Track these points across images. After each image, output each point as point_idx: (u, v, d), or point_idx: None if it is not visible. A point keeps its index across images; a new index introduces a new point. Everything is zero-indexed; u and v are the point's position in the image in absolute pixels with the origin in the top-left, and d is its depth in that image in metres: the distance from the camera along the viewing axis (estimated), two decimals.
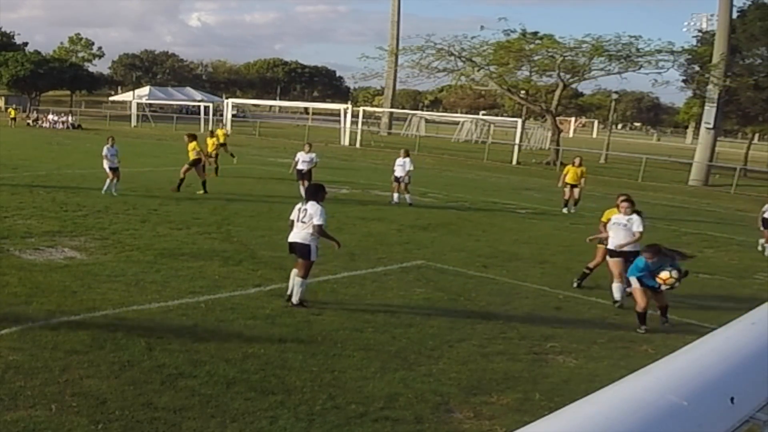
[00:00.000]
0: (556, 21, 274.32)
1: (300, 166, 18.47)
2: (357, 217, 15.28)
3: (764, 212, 14.43)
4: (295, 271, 8.11)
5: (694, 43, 43.32)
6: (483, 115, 77.51)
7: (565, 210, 18.45)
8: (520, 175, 31.30)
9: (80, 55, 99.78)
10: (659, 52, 36.89)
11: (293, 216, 8.25)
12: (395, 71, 59.32)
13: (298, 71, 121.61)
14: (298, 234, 8.13)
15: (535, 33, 39.48)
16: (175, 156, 26.74)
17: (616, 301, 9.14)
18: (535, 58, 39.86)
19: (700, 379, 1.34)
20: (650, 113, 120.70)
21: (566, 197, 18.75)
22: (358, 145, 44.19)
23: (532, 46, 39.14)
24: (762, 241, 14.58)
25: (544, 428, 1.12)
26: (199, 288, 8.55)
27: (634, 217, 9.12)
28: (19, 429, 4.76)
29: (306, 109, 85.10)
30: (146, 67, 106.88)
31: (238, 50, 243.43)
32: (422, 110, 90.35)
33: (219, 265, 9.83)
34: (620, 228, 9.16)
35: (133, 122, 55.20)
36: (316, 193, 8.36)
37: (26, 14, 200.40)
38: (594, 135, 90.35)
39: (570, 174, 18.63)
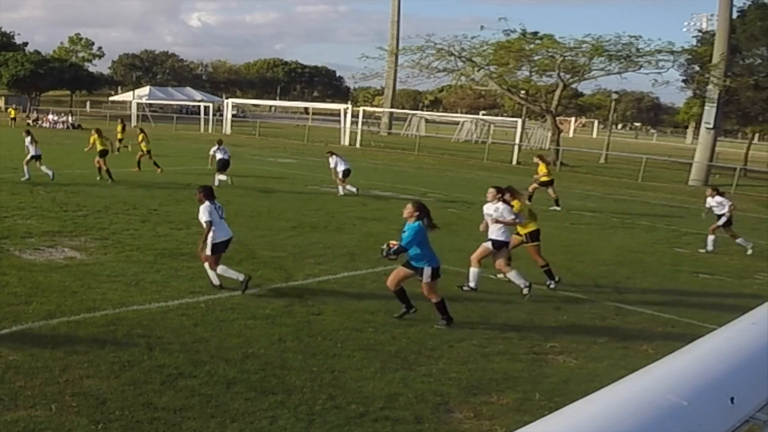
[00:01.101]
0: (556, 21, 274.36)
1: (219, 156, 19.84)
2: (357, 217, 15.28)
3: (712, 206, 14.36)
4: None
5: (694, 43, 43.36)
6: (483, 115, 77.49)
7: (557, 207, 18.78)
8: (520, 175, 31.27)
9: (80, 55, 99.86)
10: (659, 52, 36.87)
11: (217, 215, 8.85)
12: (395, 71, 59.32)
13: (298, 71, 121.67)
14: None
15: (535, 33, 39.49)
16: (175, 156, 26.77)
17: (472, 288, 9.40)
18: (535, 58, 39.83)
19: (700, 379, 1.34)
20: (650, 113, 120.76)
21: (551, 195, 19.29)
22: (358, 145, 44.19)
23: (532, 46, 39.12)
24: (711, 238, 14.03)
25: (544, 428, 1.12)
26: (199, 288, 8.55)
27: (500, 205, 9.45)
28: (19, 429, 4.76)
29: (306, 109, 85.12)
30: (146, 67, 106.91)
31: (238, 50, 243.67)
32: (422, 110, 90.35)
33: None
34: (490, 217, 9.56)
35: (133, 122, 55.14)
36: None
37: (26, 14, 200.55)
38: (594, 135, 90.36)
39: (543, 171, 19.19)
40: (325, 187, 20.29)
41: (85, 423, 4.90)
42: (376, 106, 77.02)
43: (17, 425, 4.80)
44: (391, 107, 66.56)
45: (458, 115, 79.59)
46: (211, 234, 8.60)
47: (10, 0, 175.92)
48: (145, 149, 22.06)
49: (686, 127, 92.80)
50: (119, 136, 28.45)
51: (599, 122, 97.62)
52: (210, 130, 51.53)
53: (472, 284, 9.45)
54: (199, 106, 60.60)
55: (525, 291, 9.19)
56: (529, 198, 18.33)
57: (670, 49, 37.07)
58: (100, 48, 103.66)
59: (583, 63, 38.96)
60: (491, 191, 9.69)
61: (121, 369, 5.87)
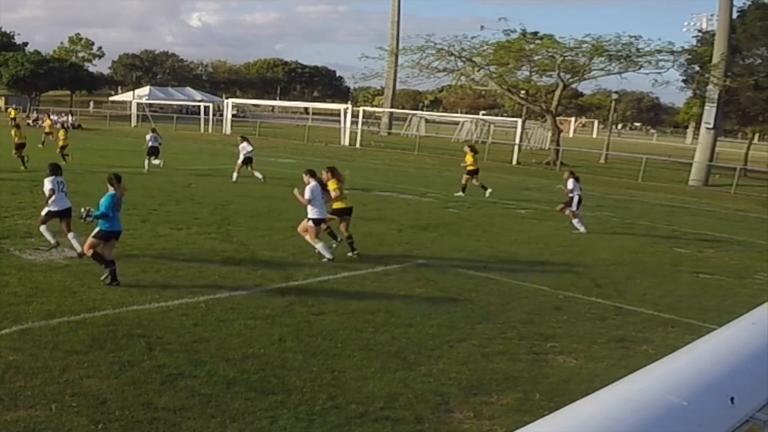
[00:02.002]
0: (556, 21, 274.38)
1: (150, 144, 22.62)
2: (357, 217, 15.22)
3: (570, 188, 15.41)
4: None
5: (694, 43, 43.35)
6: (483, 115, 77.50)
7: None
8: (520, 175, 31.29)
9: (80, 55, 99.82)
10: (659, 52, 36.88)
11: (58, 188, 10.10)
12: (395, 71, 59.32)
13: (298, 71, 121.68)
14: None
15: (535, 33, 39.50)
16: (175, 156, 26.75)
17: (329, 258, 10.48)
18: (535, 58, 39.85)
19: (700, 379, 1.34)
20: (650, 113, 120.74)
21: (467, 184, 20.33)
22: (358, 145, 44.20)
23: (532, 46, 39.13)
24: (576, 221, 15.15)
25: (544, 428, 1.12)
26: (199, 288, 8.55)
27: (310, 185, 10.69)
28: (19, 429, 4.76)
29: (306, 109, 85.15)
30: (146, 67, 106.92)
31: (238, 50, 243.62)
32: (422, 110, 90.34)
33: (219, 265, 9.83)
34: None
35: (133, 122, 55.20)
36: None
37: (27, 14, 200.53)
38: (594, 135, 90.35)
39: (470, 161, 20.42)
40: None
41: (85, 423, 4.90)
42: (376, 106, 77.03)
43: (17, 425, 4.80)
44: (391, 107, 66.55)
45: (458, 115, 79.60)
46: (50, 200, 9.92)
47: (10, 0, 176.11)
48: (62, 144, 23.62)
49: (686, 127, 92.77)
50: (47, 130, 31.01)
51: (599, 122, 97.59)
52: (210, 130, 51.57)
53: (327, 255, 10.51)
54: (199, 106, 60.60)
55: (325, 260, 10.45)
56: (463, 189, 20.16)
57: (670, 49, 37.11)
58: (100, 48, 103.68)
59: (583, 63, 38.97)
60: (304, 175, 11.00)
61: (121, 369, 5.87)
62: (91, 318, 7.14)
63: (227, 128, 51.10)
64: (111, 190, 9.10)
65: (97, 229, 8.78)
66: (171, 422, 5.00)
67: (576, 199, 15.31)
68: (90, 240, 8.75)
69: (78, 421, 4.91)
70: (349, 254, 10.91)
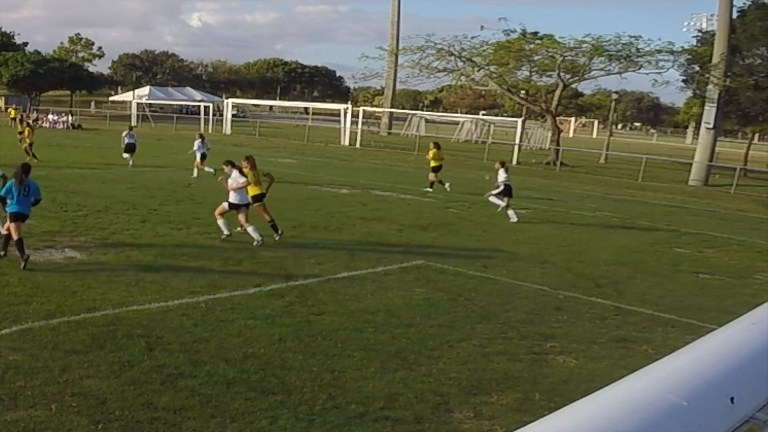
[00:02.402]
0: (556, 21, 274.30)
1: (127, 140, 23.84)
2: (357, 217, 15.29)
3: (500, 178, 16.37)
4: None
5: (694, 43, 43.32)
6: (483, 115, 77.49)
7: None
8: (520, 175, 31.24)
9: (80, 55, 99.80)
10: (659, 52, 36.88)
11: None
12: (395, 71, 59.33)
13: (298, 71, 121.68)
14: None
15: (535, 33, 39.50)
16: (175, 156, 26.76)
17: (227, 235, 11.55)
18: (535, 58, 39.85)
19: (700, 379, 1.34)
20: (650, 113, 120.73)
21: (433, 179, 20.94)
22: (358, 145, 44.20)
23: (532, 46, 39.12)
24: (509, 212, 16.02)
25: (544, 428, 1.12)
26: (199, 288, 8.55)
27: (234, 173, 11.70)
28: (19, 429, 4.76)
29: (306, 109, 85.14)
30: (146, 67, 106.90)
31: (238, 50, 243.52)
32: (422, 110, 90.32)
33: (219, 265, 9.83)
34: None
35: (133, 122, 55.09)
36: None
37: (27, 14, 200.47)
38: (594, 135, 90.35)
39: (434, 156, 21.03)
40: (325, 187, 20.30)
41: (85, 423, 4.90)
42: (376, 106, 77.01)
43: (17, 425, 4.80)
44: (391, 107, 66.54)
45: (458, 115, 79.58)
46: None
47: (10, 0, 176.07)
48: (28, 141, 23.90)
49: (686, 127, 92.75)
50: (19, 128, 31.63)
51: (599, 122, 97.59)
52: (210, 130, 51.52)
53: (225, 231, 11.60)
54: (199, 106, 60.58)
55: (255, 243, 11.26)
56: (431, 185, 20.71)
57: (670, 49, 37.12)
58: (100, 48, 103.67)
59: (583, 63, 38.97)
60: (225, 166, 12.08)
61: (121, 369, 5.87)
62: (91, 318, 7.14)
63: (227, 128, 51.10)
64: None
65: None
66: (171, 422, 5.00)
67: (502, 187, 16.26)
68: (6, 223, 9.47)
69: (78, 421, 4.91)
70: (276, 237, 11.80)
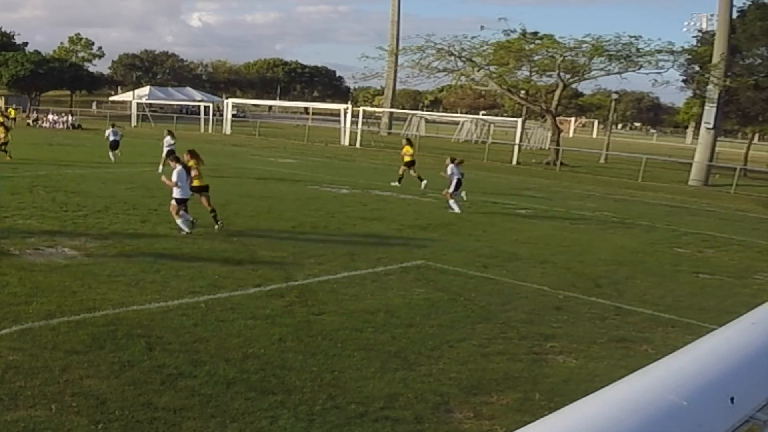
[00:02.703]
0: (556, 21, 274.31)
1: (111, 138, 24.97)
2: (357, 217, 15.29)
3: (453, 172, 16.98)
4: None
5: (694, 43, 43.32)
6: (483, 115, 77.48)
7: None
8: (520, 175, 31.30)
9: (80, 55, 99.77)
10: (659, 52, 36.87)
11: None
12: (395, 71, 59.30)
13: (298, 71, 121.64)
14: None
15: (535, 33, 39.50)
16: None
17: (188, 232, 11.89)
18: (535, 58, 39.84)
19: (700, 379, 1.34)
20: (650, 113, 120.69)
21: (404, 174, 21.49)
22: (358, 145, 44.20)
23: (532, 46, 39.12)
24: (452, 202, 16.71)
25: (544, 428, 1.12)
26: (199, 288, 8.55)
27: (177, 169, 12.11)
28: (19, 429, 4.76)
29: (306, 109, 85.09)
30: (146, 67, 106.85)
31: (238, 50, 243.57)
32: (422, 110, 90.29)
33: (219, 265, 9.83)
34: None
35: (133, 122, 55.20)
36: None
37: (27, 14, 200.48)
38: (594, 135, 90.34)
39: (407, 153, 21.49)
40: (325, 187, 20.31)
41: (85, 423, 4.90)
42: (376, 106, 76.99)
43: (17, 425, 4.80)
44: (391, 107, 66.53)
45: (458, 115, 79.56)
46: None
47: (10, 0, 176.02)
48: (2, 140, 24.00)
49: (686, 127, 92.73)
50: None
51: (599, 122, 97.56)
52: (210, 130, 51.56)
53: (186, 229, 11.87)
54: (199, 106, 60.58)
55: (183, 233, 11.77)
56: (399, 180, 21.35)
57: (670, 49, 37.11)
58: (100, 48, 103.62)
59: (583, 63, 38.97)
60: (170, 161, 12.64)
61: (121, 369, 5.87)
62: (91, 318, 7.14)
63: (227, 128, 51.10)
64: None
65: None
66: (171, 422, 5.00)
67: (454, 181, 16.89)
68: None
69: (78, 421, 4.91)
70: (215, 227, 12.29)
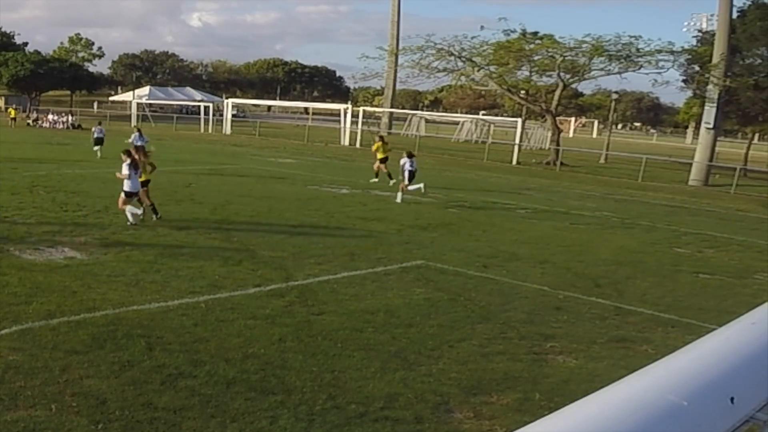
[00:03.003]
0: (556, 21, 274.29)
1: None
2: (357, 217, 15.29)
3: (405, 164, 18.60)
4: None
5: (694, 43, 43.32)
6: (483, 115, 77.47)
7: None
8: (520, 175, 31.30)
9: (80, 55, 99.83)
10: (659, 52, 36.86)
11: None
12: (395, 71, 59.30)
13: (298, 71, 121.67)
14: None
15: (535, 33, 39.50)
16: (175, 156, 26.76)
17: (132, 223, 12.39)
18: (535, 58, 39.83)
19: (700, 379, 1.34)
20: (650, 113, 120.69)
21: (379, 170, 22.10)
22: (358, 145, 44.19)
23: (532, 46, 39.12)
24: (400, 194, 18.01)
25: (544, 428, 1.12)
26: (199, 288, 8.55)
27: (125, 163, 12.64)
28: (19, 429, 4.76)
29: (306, 109, 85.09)
30: (146, 67, 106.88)
31: (238, 50, 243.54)
32: (422, 110, 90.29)
33: (219, 265, 9.83)
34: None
35: (133, 122, 55.15)
36: None
37: (27, 14, 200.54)
38: (594, 135, 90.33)
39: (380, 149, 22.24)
40: (325, 187, 20.31)
41: (85, 423, 4.90)
42: (376, 106, 76.98)
43: (17, 425, 4.80)
44: (391, 107, 66.53)
45: (458, 115, 79.54)
46: None
47: (10, 0, 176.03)
48: None
49: (686, 127, 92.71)
50: None
51: (599, 122, 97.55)
52: (210, 130, 51.57)
53: (132, 220, 12.36)
54: (199, 106, 60.57)
55: (129, 223, 12.29)
56: (376, 175, 21.89)
57: (670, 49, 37.09)
58: (100, 48, 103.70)
59: (583, 63, 38.96)
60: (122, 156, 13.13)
61: (121, 369, 5.87)
62: (91, 318, 7.14)
63: (227, 128, 51.09)
64: None
65: None
66: (171, 422, 5.00)
67: (407, 173, 18.30)
68: None
69: (78, 421, 4.91)
70: (154, 218, 12.89)
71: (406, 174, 18.30)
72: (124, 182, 12.62)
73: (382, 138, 23.64)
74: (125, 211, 12.46)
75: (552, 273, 10.94)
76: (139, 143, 22.58)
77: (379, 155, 22.25)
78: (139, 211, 12.62)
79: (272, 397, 5.52)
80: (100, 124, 29.25)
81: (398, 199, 17.85)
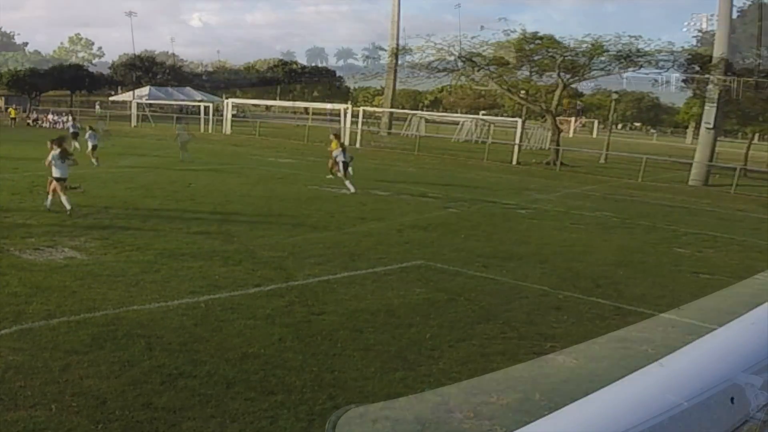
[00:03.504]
0: (556, 21, 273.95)
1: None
2: (357, 217, 15.29)
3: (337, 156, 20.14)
4: None
5: (694, 43, 43.37)
6: (483, 115, 77.44)
7: (339, 175, 20.61)
8: (520, 175, 31.30)
9: (80, 55, 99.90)
10: (659, 52, 36.88)
11: None
12: (395, 71, 59.27)
13: (298, 71, 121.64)
14: None
15: (535, 33, 39.51)
16: (175, 156, 26.75)
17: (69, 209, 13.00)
18: (535, 58, 39.83)
19: (700, 379, 1.34)
20: (650, 113, 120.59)
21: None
22: (358, 145, 44.19)
23: (532, 46, 39.12)
24: (348, 183, 19.21)
25: (544, 428, 1.12)
26: (199, 288, 8.55)
27: (55, 152, 13.36)
28: (19, 429, 4.76)
29: (306, 109, 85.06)
30: (146, 67, 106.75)
31: (238, 50, 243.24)
32: (422, 110, 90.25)
33: (219, 265, 9.83)
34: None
35: (133, 122, 55.21)
36: None
37: (27, 14, 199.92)
38: (594, 135, 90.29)
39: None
40: (324, 187, 20.31)
41: (85, 423, 4.90)
42: (376, 106, 76.96)
43: (17, 425, 4.80)
44: (391, 107, 66.49)
45: (458, 115, 79.46)
46: None
47: (10, 0, 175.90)
48: None
49: (686, 127, 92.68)
50: None
51: (599, 122, 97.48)
52: (210, 130, 51.54)
53: (68, 206, 12.98)
54: (199, 106, 60.51)
55: (68, 213, 12.82)
56: (331, 172, 21.83)
57: (670, 49, 37.10)
58: (100, 48, 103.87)
59: (583, 63, 38.96)
60: (50, 142, 13.82)
61: (121, 369, 5.87)
62: (91, 318, 7.14)
63: (227, 128, 51.06)
64: None
65: None
66: (171, 422, 5.00)
67: (341, 165, 19.79)
68: None
69: (78, 421, 4.91)
70: (46, 206, 13.33)
71: (341, 165, 19.75)
72: (53, 169, 13.30)
73: (337, 135, 23.43)
74: (60, 198, 13.12)
75: (552, 273, 10.94)
76: (93, 141, 23.94)
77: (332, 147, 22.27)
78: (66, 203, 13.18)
79: (272, 397, 5.52)
80: (74, 119, 30.57)
81: (352, 190, 18.77)
